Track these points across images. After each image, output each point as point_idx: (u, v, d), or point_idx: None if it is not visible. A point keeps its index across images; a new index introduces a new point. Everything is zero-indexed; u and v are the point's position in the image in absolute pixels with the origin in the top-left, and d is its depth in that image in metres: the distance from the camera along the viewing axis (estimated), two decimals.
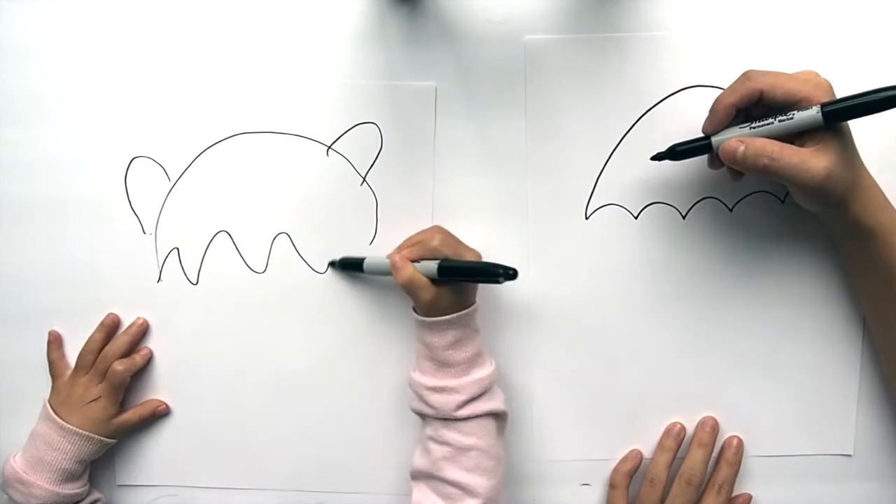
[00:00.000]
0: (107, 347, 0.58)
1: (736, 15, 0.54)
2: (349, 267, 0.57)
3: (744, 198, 0.55)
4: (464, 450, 0.50)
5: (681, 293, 0.57)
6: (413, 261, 0.51)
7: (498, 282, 0.47)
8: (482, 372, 0.51)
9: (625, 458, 0.58)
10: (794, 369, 0.57)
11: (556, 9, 0.55)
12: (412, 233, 0.56)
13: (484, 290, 0.55)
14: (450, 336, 0.50)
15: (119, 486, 0.61)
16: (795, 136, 0.46)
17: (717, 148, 0.48)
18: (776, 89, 0.45)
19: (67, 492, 0.56)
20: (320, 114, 0.57)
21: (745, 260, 0.56)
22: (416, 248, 0.52)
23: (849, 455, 0.57)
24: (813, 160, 0.45)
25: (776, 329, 0.56)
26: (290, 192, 0.58)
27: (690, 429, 0.57)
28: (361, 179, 0.57)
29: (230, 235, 0.58)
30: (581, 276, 0.57)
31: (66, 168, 0.58)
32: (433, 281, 0.50)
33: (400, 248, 0.54)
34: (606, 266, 0.57)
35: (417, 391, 0.52)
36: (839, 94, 0.45)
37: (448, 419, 0.50)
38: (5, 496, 0.56)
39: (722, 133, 0.48)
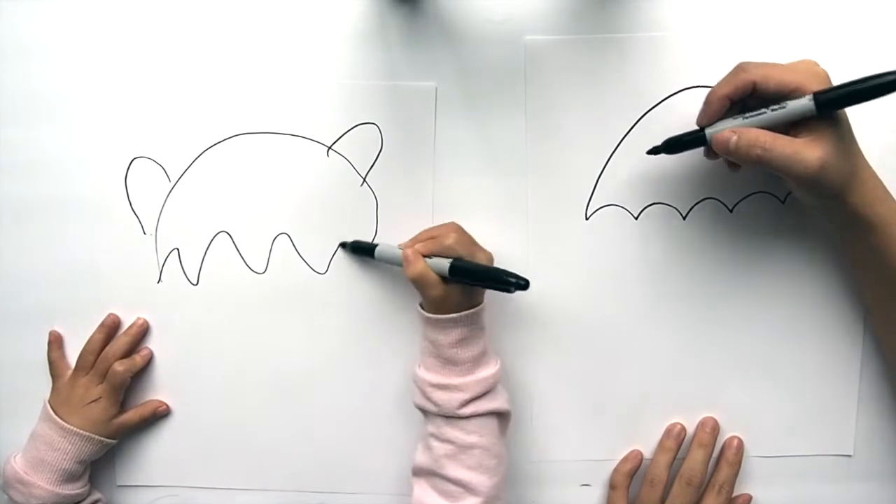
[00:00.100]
0: (107, 348, 0.58)
1: (736, 15, 0.54)
2: (360, 251, 0.57)
3: (744, 198, 0.55)
4: (466, 448, 0.50)
5: (681, 293, 0.57)
6: (425, 256, 0.51)
7: (509, 291, 0.47)
8: (487, 371, 0.51)
9: (625, 459, 0.58)
10: (794, 369, 0.57)
11: (556, 9, 0.55)
12: (412, 233, 0.56)
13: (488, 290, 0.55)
14: (456, 334, 0.50)
15: (119, 486, 0.61)
16: (790, 127, 0.45)
17: (711, 139, 0.48)
18: (769, 80, 0.45)
19: (68, 492, 0.56)
20: (320, 114, 0.57)
21: (745, 260, 0.56)
22: (430, 243, 0.51)
23: (849, 455, 0.57)
24: (806, 150, 0.44)
25: (776, 329, 0.56)
26: (291, 193, 0.58)
27: (691, 429, 0.57)
28: (361, 180, 0.57)
29: (230, 236, 0.58)
30: (581, 276, 0.57)
31: (67, 168, 0.58)
32: (443, 278, 0.50)
33: (414, 241, 0.53)
34: (606, 266, 0.57)
35: (421, 387, 0.52)
36: None
37: (451, 417, 0.50)
38: (5, 496, 0.56)
39: (716, 125, 0.48)
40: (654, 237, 0.56)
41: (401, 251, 0.52)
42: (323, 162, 0.57)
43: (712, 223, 0.56)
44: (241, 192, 0.58)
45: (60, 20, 0.57)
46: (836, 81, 0.46)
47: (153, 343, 0.60)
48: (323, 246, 0.58)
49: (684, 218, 0.56)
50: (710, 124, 0.48)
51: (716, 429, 0.57)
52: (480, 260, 0.51)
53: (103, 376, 0.58)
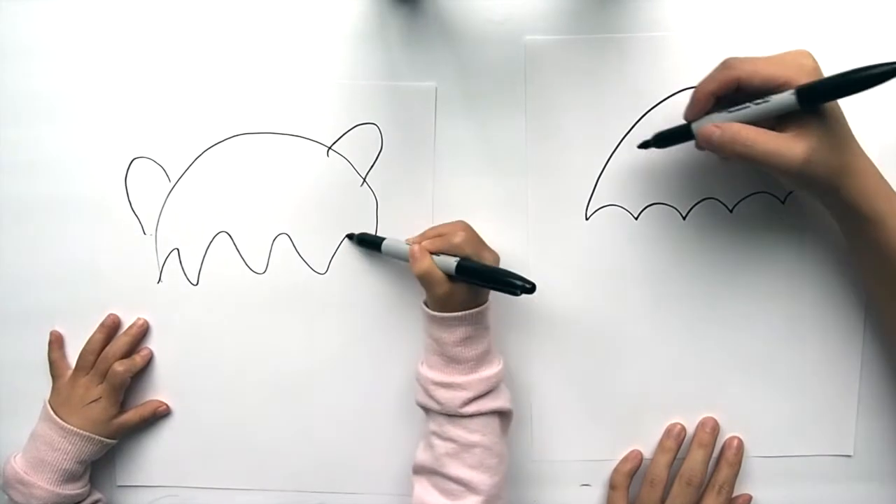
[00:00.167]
0: (107, 348, 0.58)
1: (736, 15, 0.54)
2: (367, 244, 0.57)
3: (744, 198, 0.55)
4: (468, 446, 0.50)
5: (681, 293, 0.57)
6: (432, 253, 0.51)
7: (514, 293, 0.47)
8: (490, 370, 0.51)
9: (625, 459, 0.58)
10: (794, 369, 0.57)
11: (556, 9, 0.55)
12: (412, 233, 0.56)
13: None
14: (460, 332, 0.50)
15: (119, 486, 0.61)
16: (778, 121, 0.45)
17: (696, 134, 0.48)
18: (753, 77, 0.44)
19: (68, 492, 0.56)
20: (320, 114, 0.57)
21: (745, 260, 0.56)
22: (438, 240, 0.51)
23: (849, 455, 0.57)
24: (789, 145, 0.44)
25: (776, 329, 0.56)
26: (291, 193, 0.58)
27: (691, 429, 0.57)
28: (361, 180, 0.57)
29: (230, 236, 0.58)
30: (581, 276, 0.57)
31: (67, 168, 0.58)
32: (449, 276, 0.50)
33: (422, 238, 0.53)
34: (606, 266, 0.57)
35: (424, 385, 0.52)
36: None
37: (453, 415, 0.50)
38: (5, 496, 0.56)
39: (702, 119, 0.48)
40: (654, 237, 0.56)
41: (408, 247, 0.52)
42: (323, 162, 0.57)
43: (712, 223, 0.56)
44: (241, 192, 0.58)
45: (60, 20, 0.57)
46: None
47: (153, 343, 0.60)
48: (323, 246, 0.58)
49: (684, 218, 0.56)
50: (697, 119, 0.48)
51: (716, 429, 0.57)
52: (487, 260, 0.51)
53: (103, 376, 0.58)
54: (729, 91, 0.46)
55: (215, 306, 0.59)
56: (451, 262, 0.49)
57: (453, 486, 0.50)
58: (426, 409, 0.53)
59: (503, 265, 0.53)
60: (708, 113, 0.48)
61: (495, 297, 0.54)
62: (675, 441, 0.57)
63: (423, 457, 0.52)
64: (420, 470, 0.53)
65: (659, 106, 0.55)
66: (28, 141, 0.58)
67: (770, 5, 0.54)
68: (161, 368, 0.60)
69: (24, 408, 0.59)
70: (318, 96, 0.57)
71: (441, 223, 0.56)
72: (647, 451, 0.58)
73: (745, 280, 0.56)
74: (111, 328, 0.59)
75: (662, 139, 0.51)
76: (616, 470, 0.58)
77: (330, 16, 0.56)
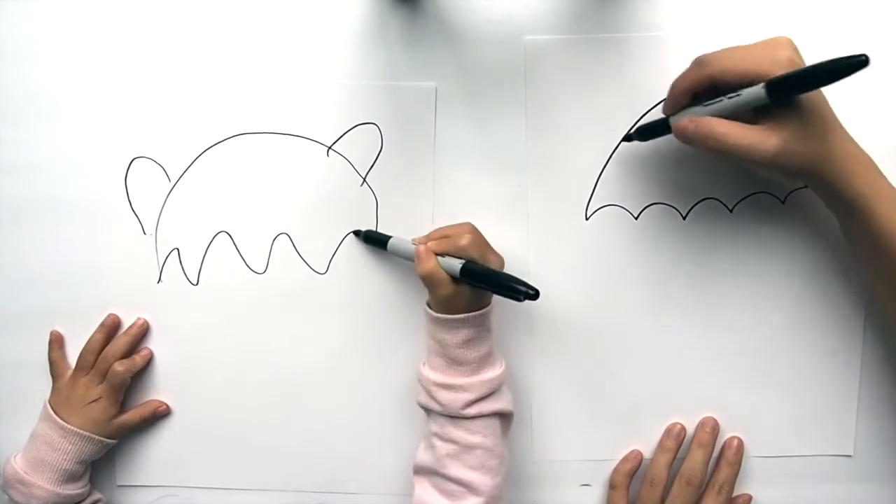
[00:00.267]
0: (107, 348, 0.58)
1: (735, 15, 0.54)
2: (373, 241, 0.57)
3: (744, 198, 0.55)
4: (469, 448, 0.50)
5: (681, 293, 0.57)
6: (437, 254, 0.51)
7: (518, 299, 0.47)
8: (492, 372, 0.51)
9: (625, 459, 0.58)
10: (794, 369, 0.57)
11: (556, 9, 0.55)
12: (412, 233, 0.56)
13: None
14: (463, 334, 0.50)
15: (119, 486, 0.61)
16: (753, 113, 0.45)
17: (673, 128, 0.48)
18: (727, 73, 0.45)
19: (68, 492, 0.56)
20: (320, 114, 0.57)
21: (745, 260, 0.56)
22: (444, 242, 0.51)
23: (849, 455, 0.57)
24: (762, 138, 0.44)
25: (776, 329, 0.56)
26: (291, 193, 0.58)
27: (690, 429, 0.57)
28: (361, 180, 0.57)
29: (230, 236, 0.58)
30: (581, 276, 0.57)
31: (67, 168, 0.58)
32: (453, 278, 0.50)
33: (428, 238, 0.53)
34: (606, 266, 0.57)
35: (426, 386, 0.52)
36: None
37: (455, 417, 0.50)
38: (5, 496, 0.56)
39: (681, 112, 0.48)
40: (654, 237, 0.56)
41: (413, 246, 0.52)
42: (323, 162, 0.57)
43: (712, 223, 0.56)
44: (241, 192, 0.58)
45: (59, 20, 0.57)
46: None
47: (153, 343, 0.60)
48: (323, 246, 0.58)
49: (684, 218, 0.56)
50: (674, 114, 0.49)
51: (716, 429, 0.57)
52: (492, 264, 0.51)
53: (103, 376, 0.58)
54: (704, 87, 0.46)
55: (215, 306, 0.59)
56: (456, 264, 0.49)
57: (454, 487, 0.50)
58: (427, 410, 0.53)
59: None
60: (686, 107, 0.48)
61: (497, 298, 0.54)
62: (675, 441, 0.57)
63: (423, 457, 0.52)
64: (420, 470, 0.53)
65: (659, 106, 0.55)
66: (28, 141, 0.58)
67: (769, 5, 0.54)
68: (161, 368, 0.60)
69: (24, 408, 0.59)
70: (318, 96, 0.57)
71: (441, 223, 0.56)
72: (647, 451, 0.58)
73: (745, 280, 0.56)
74: (111, 328, 0.59)
75: (643, 132, 0.52)
76: (616, 470, 0.58)
77: (330, 16, 0.56)
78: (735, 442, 0.57)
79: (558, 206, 0.57)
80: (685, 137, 0.47)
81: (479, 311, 0.51)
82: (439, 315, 0.51)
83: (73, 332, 0.60)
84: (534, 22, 0.55)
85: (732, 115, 0.45)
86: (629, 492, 0.57)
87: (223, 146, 0.58)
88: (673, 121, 0.49)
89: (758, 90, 0.43)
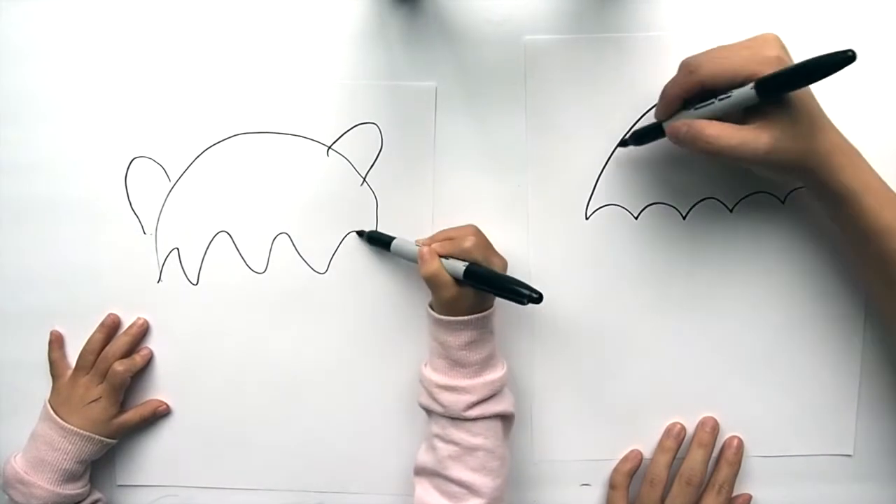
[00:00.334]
0: (107, 348, 0.58)
1: (735, 15, 0.54)
2: (376, 242, 0.57)
3: (744, 198, 0.55)
4: (470, 450, 0.50)
5: (681, 293, 0.57)
6: (441, 256, 0.51)
7: (522, 303, 0.47)
8: (494, 374, 0.51)
9: (625, 459, 0.58)
10: (794, 369, 0.57)
11: (556, 9, 0.55)
12: (412, 233, 0.56)
13: None
14: (465, 336, 0.50)
15: (119, 486, 0.61)
16: (744, 113, 0.46)
17: (667, 131, 0.49)
18: (716, 78, 0.45)
19: (68, 492, 0.56)
20: (320, 114, 0.57)
21: (745, 260, 0.56)
22: (448, 244, 0.51)
23: (849, 455, 0.57)
24: (753, 137, 0.45)
25: (776, 329, 0.56)
26: (291, 193, 0.58)
27: (690, 429, 0.57)
28: (361, 180, 0.57)
29: (230, 235, 0.58)
30: (581, 276, 0.57)
31: (67, 168, 0.58)
32: (456, 280, 0.50)
33: (432, 240, 0.53)
34: (606, 266, 0.57)
35: (427, 388, 0.52)
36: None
37: (456, 418, 0.50)
38: (6, 496, 0.56)
39: (674, 117, 0.49)
40: (654, 237, 0.56)
41: (417, 248, 0.52)
42: (323, 162, 0.57)
43: (712, 223, 0.56)
44: (241, 192, 0.58)
45: (59, 20, 0.57)
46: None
47: (153, 343, 0.60)
48: (323, 246, 0.58)
49: (684, 218, 0.56)
50: (667, 118, 0.50)
51: (716, 428, 0.57)
52: (496, 266, 0.51)
53: (103, 376, 0.58)
54: (695, 92, 0.47)
55: (215, 306, 0.59)
56: (460, 266, 0.49)
57: (455, 489, 0.50)
58: (428, 411, 0.53)
59: None
60: (678, 111, 0.49)
61: (498, 299, 0.54)
62: (675, 441, 0.57)
63: (424, 458, 0.52)
64: (421, 471, 0.53)
65: None
66: (28, 141, 0.58)
67: (768, 5, 0.54)
68: (161, 368, 0.60)
69: (24, 408, 0.59)
70: (318, 96, 0.57)
71: (441, 222, 0.56)
72: (647, 450, 0.58)
73: (745, 280, 0.56)
74: (111, 328, 0.59)
75: (638, 137, 0.53)
76: (616, 470, 0.58)
77: (330, 16, 0.56)
78: (735, 442, 0.57)
79: (558, 205, 0.57)
80: (678, 141, 0.47)
81: (482, 314, 0.51)
82: (442, 317, 0.51)
83: (73, 331, 0.60)
84: (534, 22, 0.55)
85: (724, 115, 0.46)
86: (629, 492, 0.57)
87: (223, 146, 0.58)
88: (666, 125, 0.49)
89: (747, 90, 0.44)
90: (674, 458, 0.57)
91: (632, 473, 0.57)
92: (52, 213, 0.59)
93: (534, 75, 0.55)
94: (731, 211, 0.56)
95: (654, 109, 0.54)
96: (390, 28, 0.56)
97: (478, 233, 0.52)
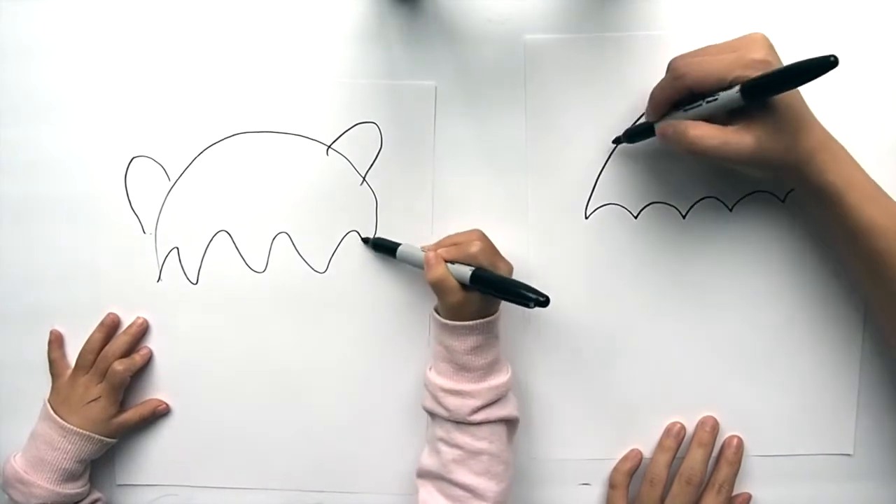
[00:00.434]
0: (107, 347, 0.58)
1: (734, 15, 0.54)
2: (381, 248, 0.57)
3: (744, 198, 0.55)
4: (475, 454, 0.50)
5: (681, 293, 0.57)
6: (447, 261, 0.51)
7: (528, 306, 0.47)
8: (499, 379, 0.51)
9: (625, 458, 0.58)
10: (793, 369, 0.57)
11: (556, 9, 0.55)
12: (412, 232, 0.56)
13: None
14: (471, 341, 0.50)
15: (119, 485, 0.61)
16: (730, 114, 0.46)
17: (656, 132, 0.50)
18: (702, 82, 0.46)
19: (68, 491, 0.56)
20: (320, 113, 0.57)
21: (744, 259, 0.56)
22: (454, 249, 0.51)
23: (849, 455, 0.57)
24: (737, 138, 0.45)
25: (776, 329, 0.56)
26: (290, 192, 0.58)
27: (690, 428, 0.57)
28: (361, 179, 0.57)
29: (230, 235, 0.58)
30: (581, 276, 0.57)
31: (66, 168, 0.58)
32: (462, 285, 0.50)
33: (437, 245, 0.53)
34: (606, 266, 0.57)
35: (432, 391, 0.52)
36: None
37: (461, 422, 0.50)
38: (5, 496, 0.56)
39: (664, 118, 0.50)
40: (654, 237, 0.56)
41: (423, 253, 0.52)
42: (322, 161, 0.57)
43: (712, 222, 0.56)
44: (241, 191, 0.58)
45: (60, 20, 0.57)
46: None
47: (153, 342, 0.60)
48: (323, 245, 0.58)
49: (684, 217, 0.56)
50: (657, 120, 0.50)
51: (715, 428, 0.57)
52: (502, 271, 0.51)
53: (103, 375, 0.58)
54: (683, 96, 0.47)
55: (215, 305, 0.59)
56: (466, 271, 0.49)
57: (459, 493, 0.50)
58: (432, 415, 0.53)
59: None
60: (668, 112, 0.49)
61: (503, 304, 0.54)
62: (675, 440, 0.57)
63: (428, 462, 0.52)
64: (425, 475, 0.53)
65: None
66: (28, 140, 0.58)
67: (767, 4, 0.54)
68: (161, 368, 0.60)
69: (24, 407, 0.59)
70: (317, 95, 0.57)
71: (440, 222, 0.56)
72: (647, 450, 0.58)
73: (744, 279, 0.56)
74: (111, 327, 0.59)
75: (631, 135, 0.53)
76: (616, 469, 0.58)
77: (330, 15, 0.56)
78: (735, 441, 0.57)
79: (558, 205, 0.57)
80: (665, 141, 0.48)
81: (488, 319, 0.51)
82: (448, 322, 0.51)
83: (73, 331, 0.60)
84: (534, 21, 0.55)
85: (711, 117, 0.46)
86: (629, 491, 0.57)
87: (223, 145, 0.58)
88: (656, 126, 0.50)
89: (733, 94, 0.44)
90: (674, 457, 0.57)
91: (632, 473, 0.57)
92: (52, 212, 0.59)
93: (534, 75, 0.55)
94: (730, 210, 0.56)
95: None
96: (390, 28, 0.56)
97: (483, 238, 0.52)
